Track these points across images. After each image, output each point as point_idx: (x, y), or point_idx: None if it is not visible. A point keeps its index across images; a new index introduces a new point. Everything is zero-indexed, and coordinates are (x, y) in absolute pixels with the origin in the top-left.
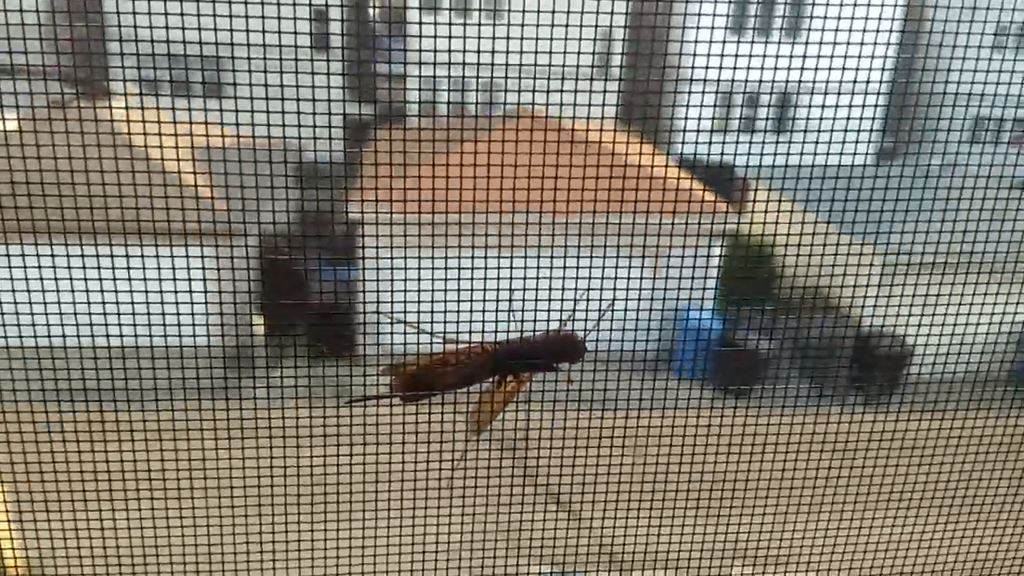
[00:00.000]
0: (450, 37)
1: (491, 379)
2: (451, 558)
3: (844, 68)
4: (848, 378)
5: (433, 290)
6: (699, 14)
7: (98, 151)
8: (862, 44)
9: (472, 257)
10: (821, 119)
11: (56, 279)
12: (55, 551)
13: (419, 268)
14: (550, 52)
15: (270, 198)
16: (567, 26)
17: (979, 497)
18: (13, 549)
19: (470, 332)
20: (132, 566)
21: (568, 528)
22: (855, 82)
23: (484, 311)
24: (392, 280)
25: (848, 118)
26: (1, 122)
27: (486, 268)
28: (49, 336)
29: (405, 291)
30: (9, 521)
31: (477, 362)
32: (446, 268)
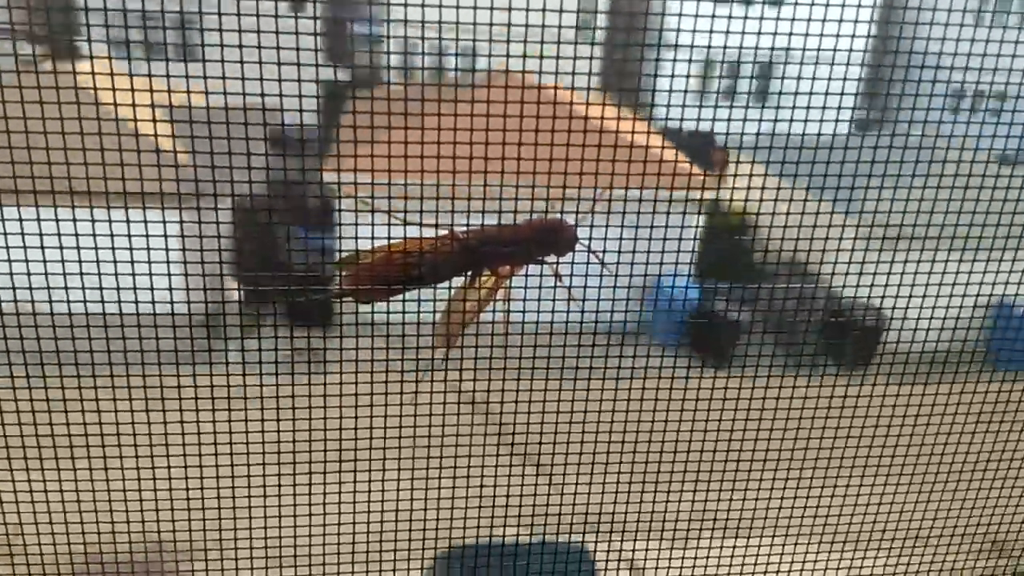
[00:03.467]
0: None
1: (463, 273)
2: (427, 524)
3: (823, 35)
4: (822, 347)
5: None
6: None
7: (69, 111)
8: (843, 11)
9: (452, 225)
10: (796, 93)
11: (24, 245)
12: (34, 517)
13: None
14: (525, 10)
15: (245, 166)
16: None
17: (955, 464)
18: None
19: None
20: (98, 532)
21: (549, 494)
22: (835, 50)
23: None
24: (373, 247)
25: (826, 93)
26: None
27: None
28: (25, 299)
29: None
30: None
31: (446, 251)
32: (421, 237)
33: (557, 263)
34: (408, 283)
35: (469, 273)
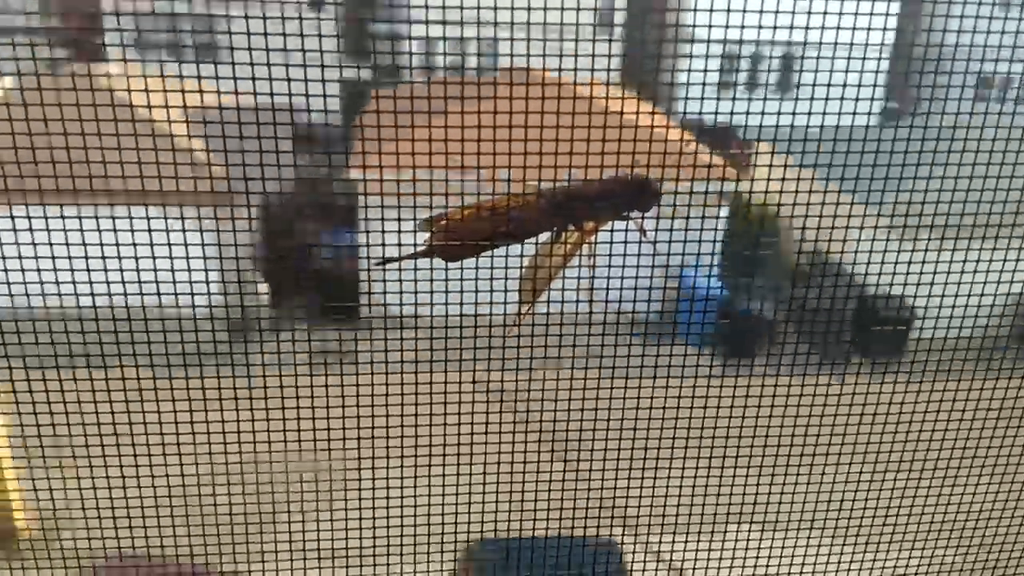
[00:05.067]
0: None
1: (548, 229)
2: (457, 518)
3: (851, 28)
4: (852, 342)
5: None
6: None
7: (100, 111)
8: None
9: (539, 181)
10: (823, 83)
11: (51, 243)
12: (70, 511)
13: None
14: (543, 9)
15: (273, 163)
16: None
17: (989, 459)
18: (25, 510)
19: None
20: (129, 523)
21: (576, 488)
22: (865, 45)
23: (491, 275)
24: (399, 244)
25: (847, 84)
26: None
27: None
28: (54, 297)
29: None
30: (20, 481)
31: (532, 207)
32: (509, 194)
33: (642, 218)
34: (496, 240)
35: (555, 229)
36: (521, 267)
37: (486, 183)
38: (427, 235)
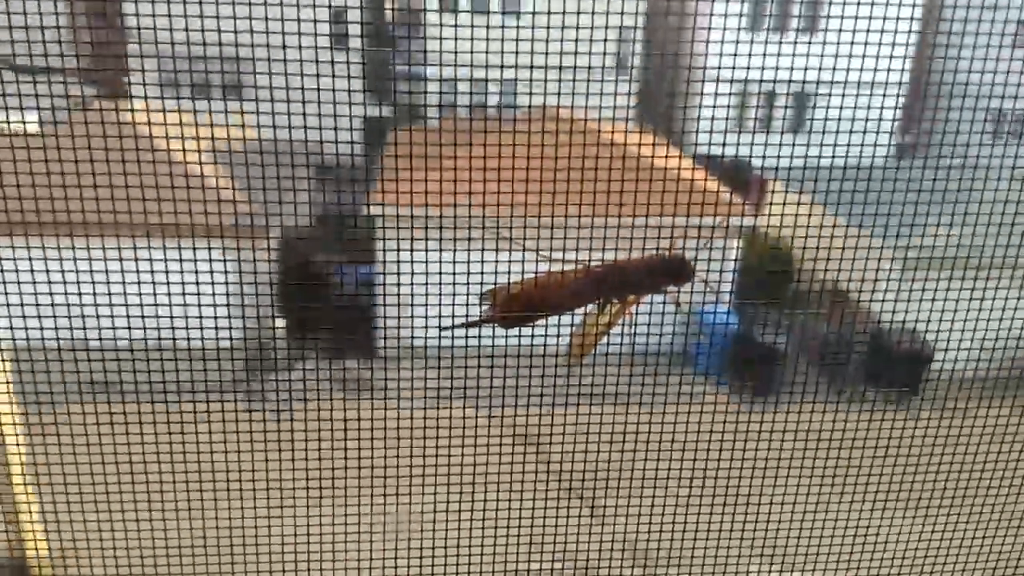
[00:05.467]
0: (471, 39)
1: (595, 301)
2: (472, 555)
3: (862, 69)
4: (867, 377)
5: (455, 283)
6: (711, 14)
7: (121, 152)
8: (881, 41)
9: (496, 253)
10: (839, 120)
11: (78, 278)
12: (77, 549)
13: (440, 263)
14: (559, 53)
15: (292, 201)
16: (576, 27)
17: (1001, 495)
18: (36, 548)
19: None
20: (140, 558)
21: (592, 524)
22: (871, 83)
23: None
24: (412, 274)
25: (866, 119)
26: (22, 124)
27: (506, 262)
28: (83, 331)
29: (427, 286)
30: (31, 512)
31: (581, 282)
32: (468, 262)
33: (679, 292)
34: (549, 311)
35: (600, 300)
36: (571, 333)
37: (542, 262)
38: (486, 305)
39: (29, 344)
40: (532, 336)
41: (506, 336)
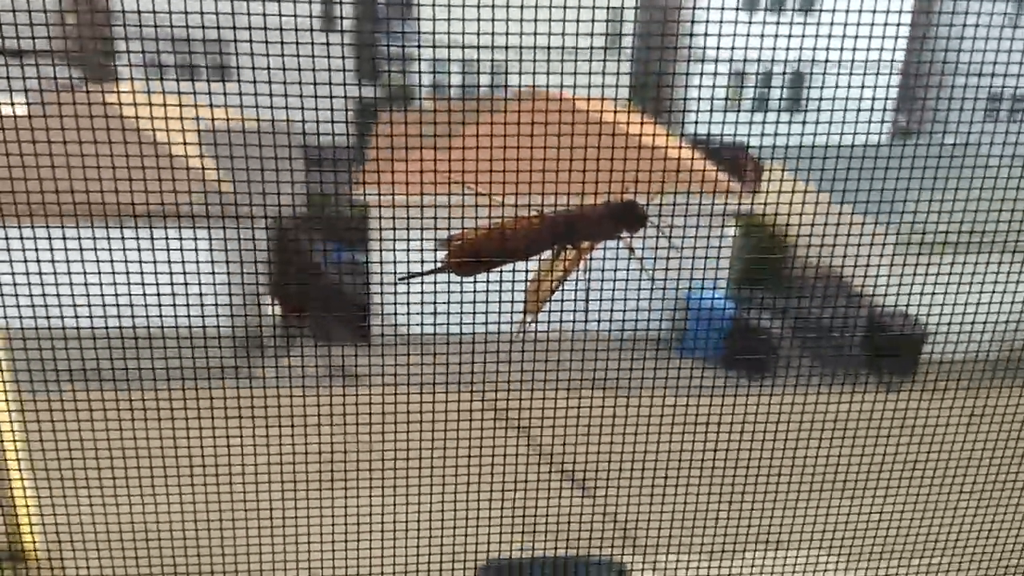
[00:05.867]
0: (463, 19)
1: (550, 248)
2: (467, 538)
3: (855, 49)
4: (862, 359)
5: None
6: None
7: (107, 134)
8: (873, 21)
9: (542, 206)
10: (834, 99)
11: (68, 262)
12: (72, 532)
13: (433, 249)
14: (549, 33)
15: (287, 180)
16: (564, 7)
17: (1000, 476)
18: (32, 531)
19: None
20: (134, 546)
21: (583, 508)
22: (866, 61)
23: (499, 292)
24: (408, 263)
25: (860, 98)
26: (11, 106)
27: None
28: (73, 319)
29: (422, 274)
30: (27, 499)
31: (535, 230)
32: (516, 217)
33: (631, 238)
34: (505, 257)
35: (555, 248)
36: (526, 281)
37: (494, 206)
38: (443, 253)
39: (24, 332)
40: (524, 322)
41: (499, 323)
